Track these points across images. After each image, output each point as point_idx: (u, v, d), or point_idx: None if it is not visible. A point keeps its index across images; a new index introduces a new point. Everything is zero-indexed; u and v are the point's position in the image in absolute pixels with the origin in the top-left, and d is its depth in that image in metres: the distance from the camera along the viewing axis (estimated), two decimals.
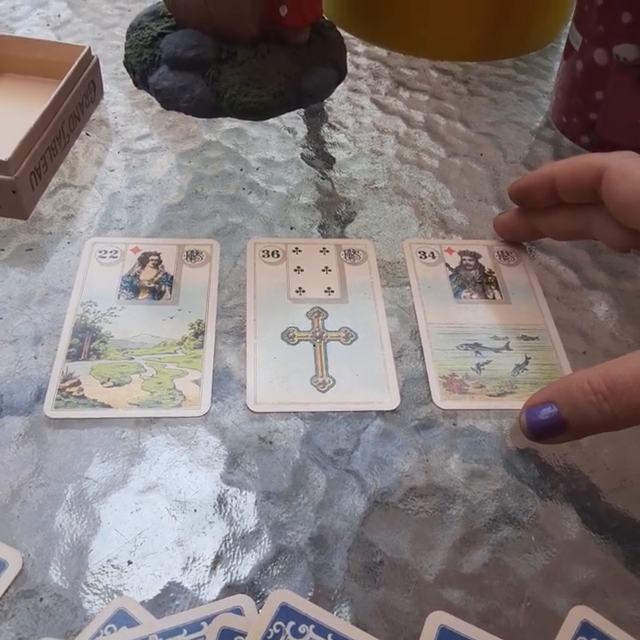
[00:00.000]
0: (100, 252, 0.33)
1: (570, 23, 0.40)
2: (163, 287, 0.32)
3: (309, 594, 0.23)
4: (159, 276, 0.32)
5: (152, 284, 0.32)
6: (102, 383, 0.28)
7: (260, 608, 0.22)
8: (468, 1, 0.45)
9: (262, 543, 0.24)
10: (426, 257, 0.34)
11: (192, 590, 0.23)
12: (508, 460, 0.27)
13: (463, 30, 0.46)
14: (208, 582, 0.23)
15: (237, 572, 0.24)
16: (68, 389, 0.28)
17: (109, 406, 0.27)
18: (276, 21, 0.39)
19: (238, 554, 0.24)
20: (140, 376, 0.28)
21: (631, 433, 0.28)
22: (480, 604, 0.23)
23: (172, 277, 0.32)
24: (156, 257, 0.33)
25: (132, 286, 0.32)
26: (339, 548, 0.24)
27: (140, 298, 0.31)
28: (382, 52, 0.47)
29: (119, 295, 0.31)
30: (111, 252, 0.33)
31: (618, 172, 0.28)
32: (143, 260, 0.33)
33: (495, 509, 0.26)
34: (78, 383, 0.28)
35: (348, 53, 0.44)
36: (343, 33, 0.46)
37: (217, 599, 0.23)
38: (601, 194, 0.29)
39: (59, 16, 0.48)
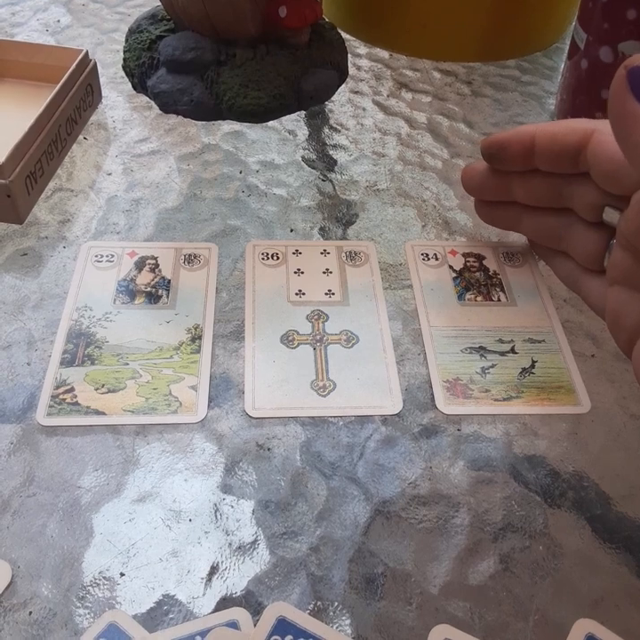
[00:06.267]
0: (96, 256, 0.32)
1: (574, 22, 0.40)
2: (159, 291, 0.31)
3: (308, 607, 0.22)
4: (156, 279, 0.31)
5: (148, 288, 0.31)
6: (96, 389, 0.27)
7: (257, 621, 0.22)
8: (471, 2, 0.44)
9: (260, 554, 0.23)
10: (429, 259, 0.34)
11: (186, 603, 0.22)
12: (514, 467, 0.26)
13: (466, 31, 0.45)
14: (203, 595, 0.22)
15: (234, 585, 0.23)
16: (61, 396, 0.27)
17: (103, 413, 0.27)
18: (275, 23, 0.38)
19: (235, 565, 0.23)
20: (136, 382, 0.28)
21: None
22: (486, 617, 0.22)
23: (169, 281, 0.31)
24: (153, 261, 0.32)
25: (128, 290, 0.31)
26: (339, 558, 0.24)
27: (136, 302, 0.30)
28: (384, 54, 0.47)
29: (115, 300, 0.30)
30: (107, 256, 0.32)
31: (610, 133, 0.26)
32: (140, 264, 0.32)
33: (501, 518, 0.25)
34: (72, 390, 0.27)
35: (349, 55, 0.43)
36: (344, 35, 0.45)
37: (212, 612, 0.22)
38: (587, 157, 0.27)
39: (58, 21, 0.48)
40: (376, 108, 0.43)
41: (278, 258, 0.33)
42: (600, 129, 0.27)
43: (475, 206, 0.34)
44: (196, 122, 0.40)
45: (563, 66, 0.42)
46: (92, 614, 0.22)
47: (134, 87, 0.41)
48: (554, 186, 0.29)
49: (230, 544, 0.24)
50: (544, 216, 0.31)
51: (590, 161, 0.27)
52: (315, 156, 0.39)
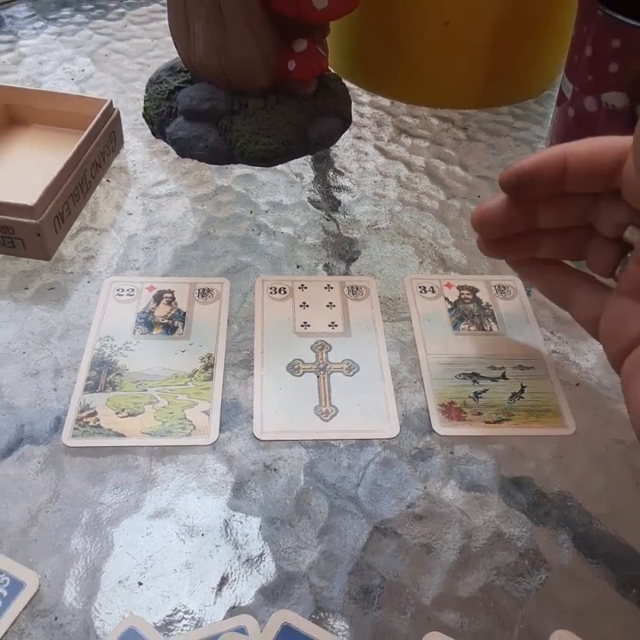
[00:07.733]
0: (118, 290, 0.35)
1: (562, 73, 0.43)
2: (175, 323, 0.33)
3: (311, 615, 0.24)
4: (172, 312, 0.34)
5: (165, 320, 0.34)
6: (117, 413, 0.29)
7: (263, 628, 0.24)
8: (467, 52, 0.47)
9: (266, 566, 0.25)
10: (426, 291, 0.36)
11: (198, 611, 0.24)
12: (503, 487, 0.28)
13: (462, 80, 0.49)
14: (214, 603, 0.24)
15: (242, 594, 0.25)
16: (85, 419, 0.29)
17: (123, 435, 0.29)
18: (285, 75, 0.41)
19: (243, 576, 0.25)
20: (153, 406, 0.30)
21: (621, 463, 0.29)
22: (474, 626, 0.24)
23: (184, 314, 0.34)
24: (170, 294, 0.35)
25: (147, 322, 0.33)
26: (339, 571, 0.25)
27: (154, 333, 0.33)
28: (386, 102, 0.50)
29: (135, 330, 0.33)
30: (128, 290, 0.35)
31: None
32: (158, 298, 0.35)
33: (490, 535, 0.27)
34: (95, 413, 0.29)
35: (353, 103, 0.46)
36: (349, 84, 0.48)
37: (222, 620, 0.24)
38: (623, 174, 0.25)
39: (83, 71, 0.51)
40: (377, 153, 0.45)
41: (285, 292, 0.36)
42: None
43: (481, 245, 0.31)
44: (211, 166, 0.43)
45: (552, 112, 0.45)
46: (113, 620, 0.24)
47: (153, 133, 0.44)
48: (580, 206, 0.28)
49: (239, 557, 0.26)
50: (565, 235, 0.29)
51: (624, 178, 0.26)
52: (320, 197, 0.42)
